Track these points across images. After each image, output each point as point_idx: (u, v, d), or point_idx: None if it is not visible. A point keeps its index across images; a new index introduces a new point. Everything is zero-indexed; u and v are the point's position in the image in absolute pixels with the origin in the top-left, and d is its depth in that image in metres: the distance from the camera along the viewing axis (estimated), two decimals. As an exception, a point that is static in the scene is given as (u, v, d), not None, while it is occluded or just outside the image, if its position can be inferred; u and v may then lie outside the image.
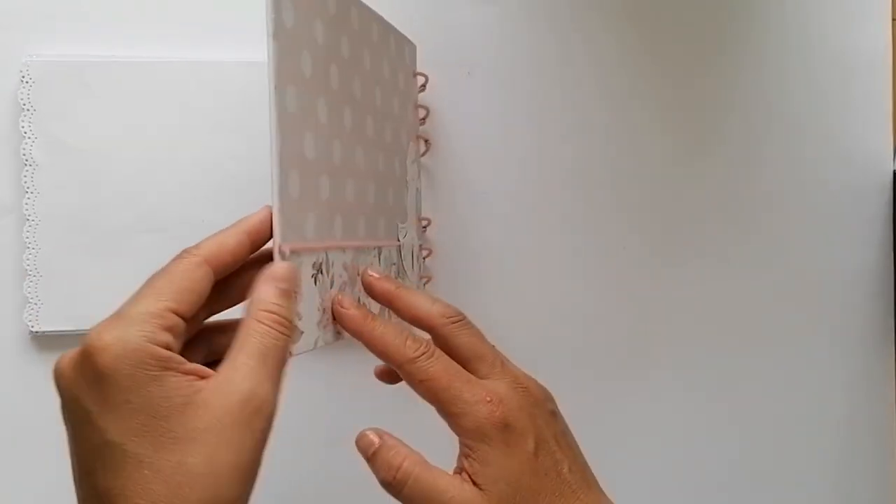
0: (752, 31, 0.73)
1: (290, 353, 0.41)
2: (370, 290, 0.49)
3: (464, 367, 0.45)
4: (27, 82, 0.61)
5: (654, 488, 0.71)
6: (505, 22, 0.70)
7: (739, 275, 0.73)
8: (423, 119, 0.67)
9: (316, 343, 0.45)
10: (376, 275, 0.49)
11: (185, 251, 0.39)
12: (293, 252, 0.43)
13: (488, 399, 0.43)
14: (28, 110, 0.62)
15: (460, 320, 0.47)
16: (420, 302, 0.47)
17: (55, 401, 0.36)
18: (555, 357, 0.69)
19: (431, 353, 0.44)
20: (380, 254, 0.55)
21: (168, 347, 0.35)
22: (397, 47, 0.59)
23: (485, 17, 0.69)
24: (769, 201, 0.73)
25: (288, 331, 0.39)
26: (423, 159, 0.67)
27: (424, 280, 0.68)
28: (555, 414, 0.47)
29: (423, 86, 0.66)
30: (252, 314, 0.38)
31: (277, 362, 0.38)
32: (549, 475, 0.43)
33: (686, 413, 0.72)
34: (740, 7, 0.72)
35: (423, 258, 0.67)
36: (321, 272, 0.46)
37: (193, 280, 0.38)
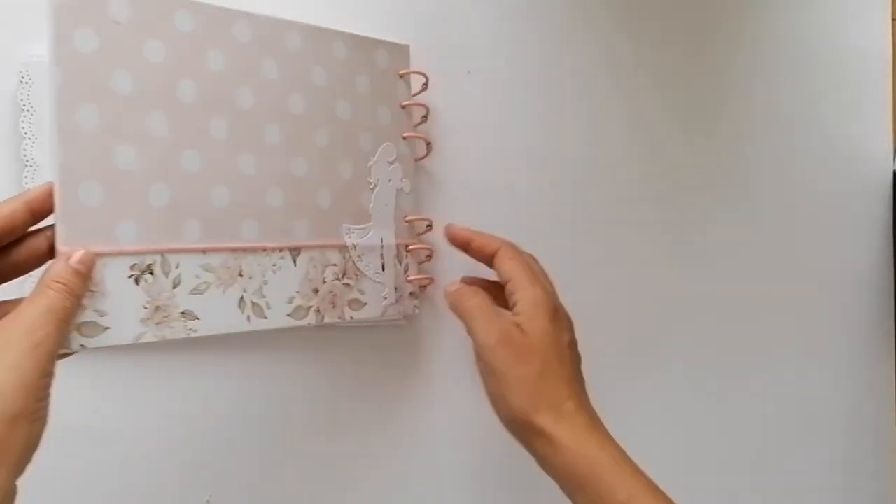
0: (752, 31, 0.72)
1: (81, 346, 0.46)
2: (453, 238, 0.62)
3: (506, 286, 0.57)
4: (26, 83, 0.59)
5: None
6: (504, 21, 0.69)
7: (739, 274, 0.72)
8: (424, 117, 0.66)
9: (139, 338, 0.48)
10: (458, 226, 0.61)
11: None
12: (98, 256, 0.46)
13: (499, 335, 0.54)
14: (28, 111, 0.60)
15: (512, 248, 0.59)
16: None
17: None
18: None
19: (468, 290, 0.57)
20: (296, 255, 0.56)
21: None
22: (356, 53, 0.60)
23: (484, 16, 0.69)
24: (769, 201, 0.73)
25: (75, 300, 0.44)
26: (424, 160, 0.67)
27: (426, 282, 0.66)
28: (571, 346, 0.56)
29: (425, 85, 0.65)
30: (45, 282, 0.44)
31: (59, 319, 0.43)
32: (543, 396, 0.53)
33: (685, 412, 0.70)
34: (741, 8, 0.72)
35: (425, 259, 0.66)
36: (150, 273, 0.49)
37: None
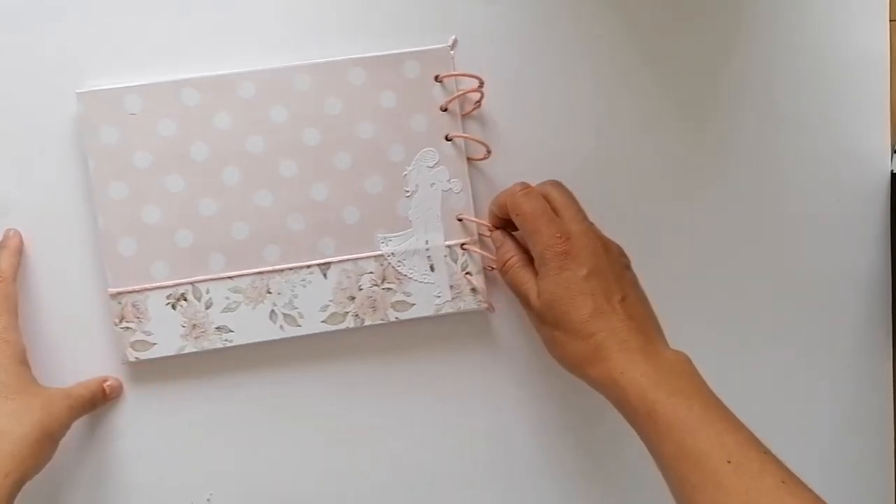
0: (751, 31, 0.72)
1: (135, 358, 0.64)
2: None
3: (556, 214, 0.60)
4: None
5: (653, 485, 0.63)
6: (511, 21, 0.70)
7: (738, 274, 0.73)
8: (478, 103, 0.67)
9: (181, 349, 0.64)
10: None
11: None
12: (139, 291, 0.63)
13: (558, 235, 0.58)
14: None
15: (559, 184, 0.64)
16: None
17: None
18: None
19: (528, 192, 0.61)
20: (325, 269, 0.65)
21: None
22: (377, 72, 0.65)
23: (492, 16, 0.70)
24: (768, 201, 0.73)
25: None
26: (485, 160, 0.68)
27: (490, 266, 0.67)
28: (627, 267, 0.60)
29: (481, 84, 0.67)
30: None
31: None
32: (594, 296, 0.56)
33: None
34: (739, 8, 0.72)
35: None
36: (184, 299, 0.64)
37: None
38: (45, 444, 0.57)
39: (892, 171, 0.74)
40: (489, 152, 0.67)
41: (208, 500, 0.68)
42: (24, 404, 0.57)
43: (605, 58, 0.70)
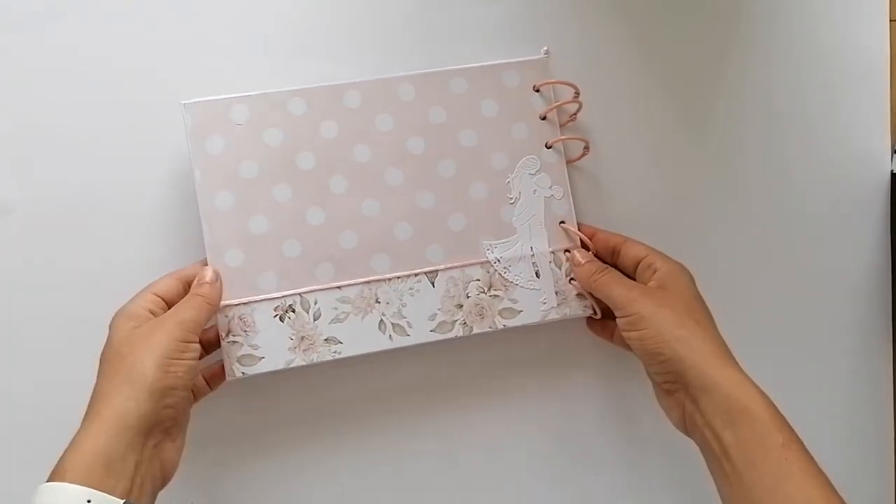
0: (750, 32, 0.73)
1: (242, 374, 0.62)
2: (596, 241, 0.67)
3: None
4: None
5: (653, 484, 0.71)
6: (508, 21, 0.71)
7: (738, 274, 0.73)
8: (573, 116, 0.68)
9: (289, 363, 0.62)
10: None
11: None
12: (246, 304, 0.62)
13: (641, 290, 0.60)
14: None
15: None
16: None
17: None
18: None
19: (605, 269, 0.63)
20: (433, 277, 0.64)
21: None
22: (479, 82, 0.66)
23: (488, 17, 0.71)
24: (768, 201, 0.73)
25: (210, 301, 0.60)
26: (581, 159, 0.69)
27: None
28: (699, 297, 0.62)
29: (576, 93, 0.67)
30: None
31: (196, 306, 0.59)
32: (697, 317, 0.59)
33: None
34: (740, 8, 0.72)
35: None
36: (292, 311, 0.62)
37: (162, 283, 0.61)
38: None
39: (892, 171, 0.74)
40: (587, 149, 0.68)
41: (208, 500, 0.68)
42: None
43: (591, 59, 0.72)
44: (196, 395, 0.62)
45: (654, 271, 0.62)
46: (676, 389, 0.58)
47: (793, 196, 0.73)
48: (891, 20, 0.74)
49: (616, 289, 0.61)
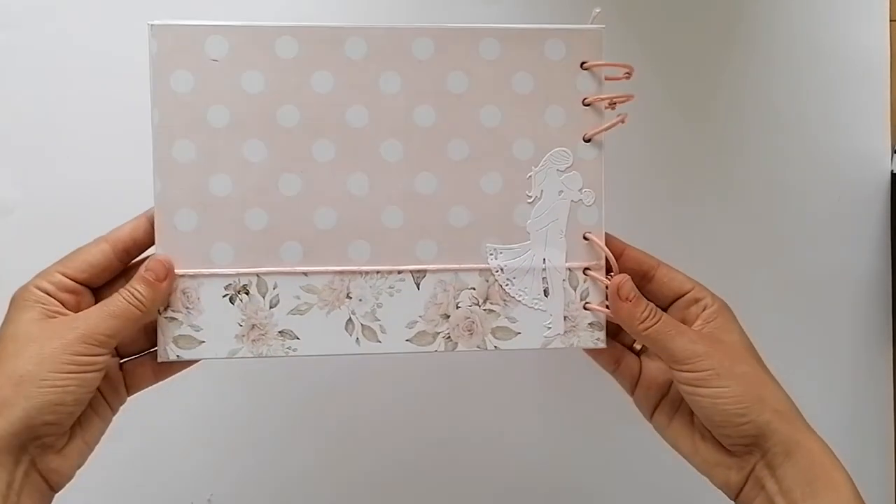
0: (751, 31, 0.73)
1: (190, 359, 0.52)
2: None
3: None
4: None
5: (652, 484, 0.72)
6: (507, 21, 0.69)
7: (738, 275, 0.73)
8: (613, 104, 0.56)
9: (233, 353, 0.52)
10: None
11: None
12: (193, 276, 0.52)
13: (707, 342, 0.51)
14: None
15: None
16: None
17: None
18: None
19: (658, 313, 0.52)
20: (419, 278, 0.53)
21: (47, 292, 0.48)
22: (514, 48, 0.54)
23: (487, 16, 0.69)
24: (768, 201, 0.74)
25: (141, 307, 0.49)
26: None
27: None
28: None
29: (629, 73, 0.55)
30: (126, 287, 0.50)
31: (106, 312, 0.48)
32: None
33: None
34: (740, 8, 0.72)
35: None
36: (245, 293, 0.52)
37: (88, 253, 0.51)
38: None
39: (892, 171, 0.74)
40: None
41: (209, 500, 0.68)
42: None
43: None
44: (132, 385, 0.53)
45: (704, 309, 0.53)
46: (748, 453, 0.50)
47: (793, 196, 0.74)
48: (891, 20, 0.74)
49: (678, 340, 0.51)
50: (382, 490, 0.70)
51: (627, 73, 0.55)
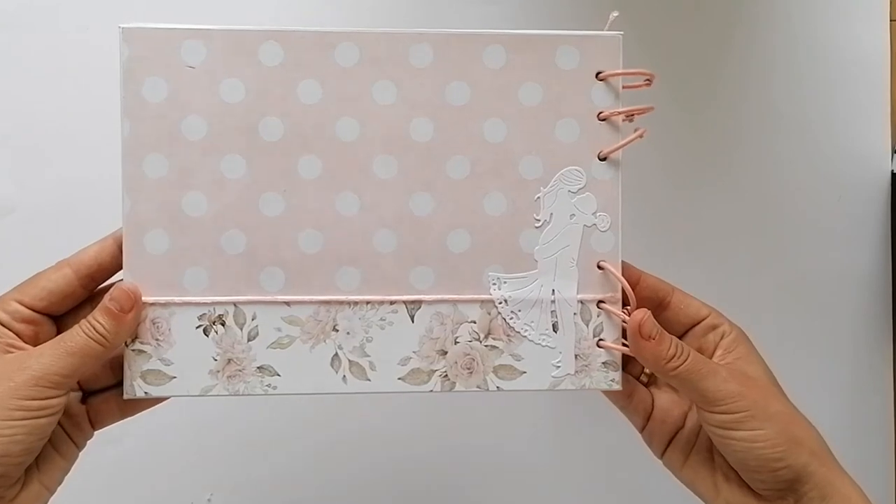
0: (751, 32, 0.73)
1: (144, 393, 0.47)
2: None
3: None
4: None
5: (651, 484, 0.69)
6: (506, 21, 0.68)
7: (739, 275, 0.73)
8: (630, 116, 0.51)
9: (207, 391, 0.47)
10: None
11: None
12: (163, 305, 0.47)
13: (738, 381, 0.47)
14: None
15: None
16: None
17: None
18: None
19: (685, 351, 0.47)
20: (414, 309, 0.48)
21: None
22: (523, 56, 0.49)
23: (488, 16, 0.68)
24: (768, 201, 0.73)
25: (104, 342, 0.44)
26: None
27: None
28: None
29: (649, 80, 0.50)
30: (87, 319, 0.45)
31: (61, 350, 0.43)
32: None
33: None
34: (740, 8, 0.72)
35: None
36: (221, 323, 0.47)
37: (48, 279, 0.46)
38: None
39: (892, 171, 0.74)
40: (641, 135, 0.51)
41: (209, 500, 0.68)
42: None
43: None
44: (98, 421, 0.48)
45: (722, 337, 0.50)
46: (780, 497, 0.47)
47: (793, 196, 0.74)
48: (891, 20, 0.74)
49: (711, 380, 0.46)
50: (383, 490, 0.69)
51: (648, 80, 0.50)
